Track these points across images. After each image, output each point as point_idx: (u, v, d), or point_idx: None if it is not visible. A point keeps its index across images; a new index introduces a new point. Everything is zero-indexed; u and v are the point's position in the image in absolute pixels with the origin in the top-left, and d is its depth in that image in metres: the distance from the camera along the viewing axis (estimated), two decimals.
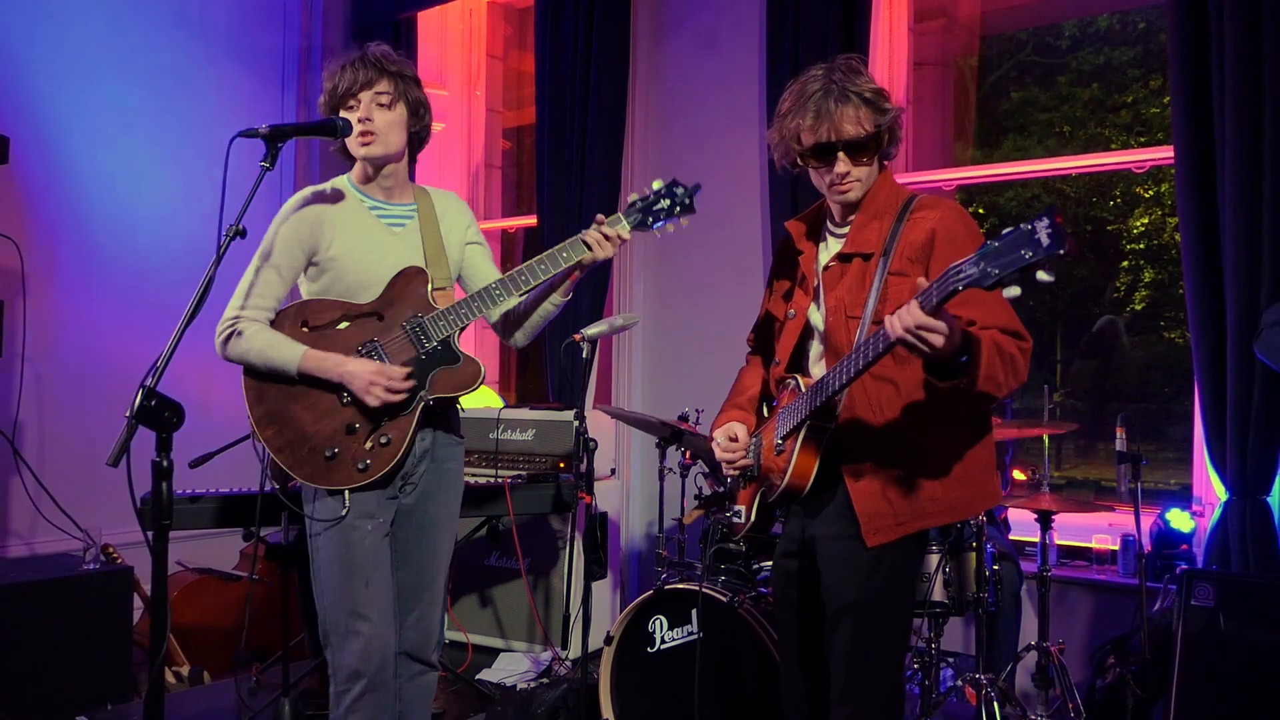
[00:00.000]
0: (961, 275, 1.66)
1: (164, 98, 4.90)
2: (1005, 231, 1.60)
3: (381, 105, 2.40)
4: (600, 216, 2.44)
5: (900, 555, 2.12)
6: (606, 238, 2.41)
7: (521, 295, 2.48)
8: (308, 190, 2.49)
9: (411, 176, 2.67)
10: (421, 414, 2.41)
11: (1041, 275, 1.56)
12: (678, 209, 2.46)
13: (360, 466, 2.37)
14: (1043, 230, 1.55)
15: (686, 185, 2.48)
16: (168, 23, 4.94)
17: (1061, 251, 1.53)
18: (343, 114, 2.42)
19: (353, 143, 2.44)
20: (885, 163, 2.21)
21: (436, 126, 3.20)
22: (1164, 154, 3.67)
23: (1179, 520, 3.55)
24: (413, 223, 2.53)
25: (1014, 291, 1.60)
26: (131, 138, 4.77)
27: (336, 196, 2.50)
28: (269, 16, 5.44)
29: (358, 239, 2.46)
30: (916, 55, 4.37)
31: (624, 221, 2.44)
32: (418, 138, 2.55)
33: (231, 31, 5.24)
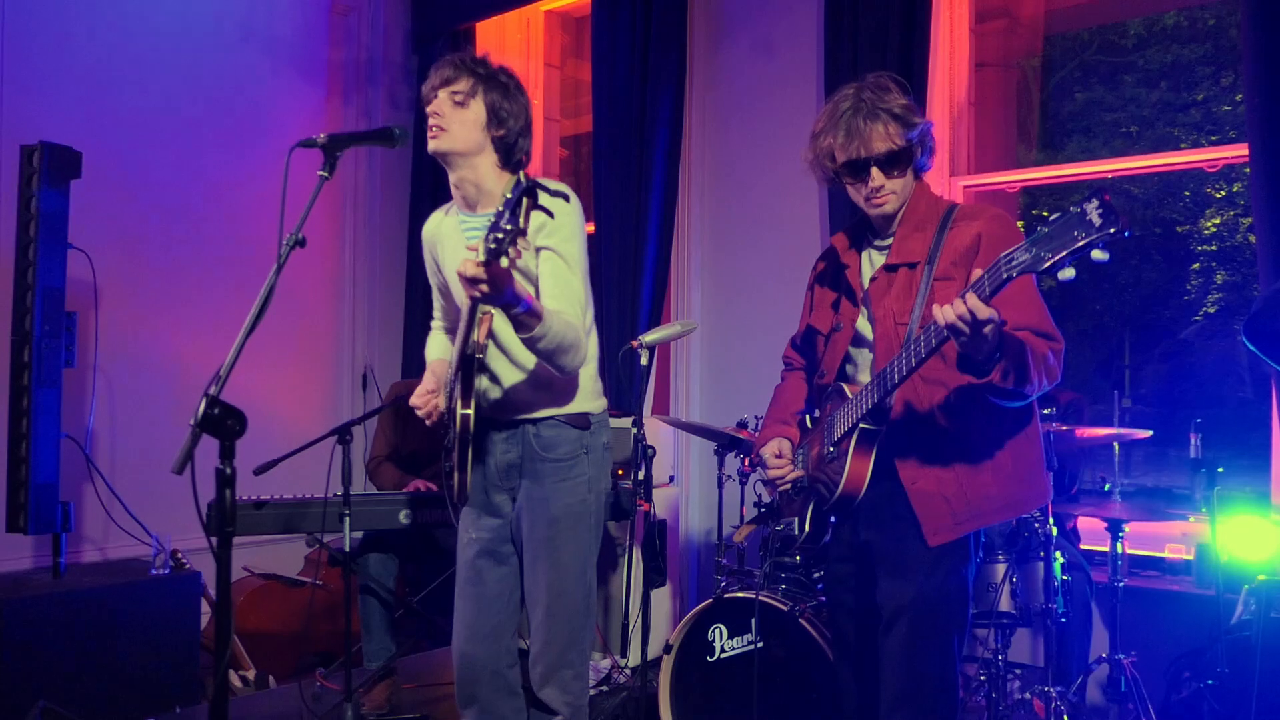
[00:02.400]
0: (1014, 262, 1.64)
1: (231, 109, 5.00)
2: (1053, 216, 1.58)
3: (456, 103, 2.32)
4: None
5: (957, 555, 2.13)
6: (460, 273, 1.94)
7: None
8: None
9: None
10: (479, 435, 2.35)
11: (1096, 254, 1.53)
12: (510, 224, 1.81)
13: (449, 482, 2.40)
14: (1093, 211, 1.52)
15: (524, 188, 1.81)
16: (235, 36, 5.04)
17: (1113, 230, 1.49)
18: (428, 111, 2.36)
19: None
20: (922, 175, 2.24)
21: None
22: (1237, 152, 3.56)
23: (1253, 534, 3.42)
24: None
25: (1069, 273, 1.57)
26: (199, 149, 4.87)
27: (448, 212, 2.51)
28: (332, 29, 5.53)
29: (451, 257, 2.44)
30: (978, 56, 4.30)
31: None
32: (504, 146, 2.37)
33: (296, 44, 5.33)
